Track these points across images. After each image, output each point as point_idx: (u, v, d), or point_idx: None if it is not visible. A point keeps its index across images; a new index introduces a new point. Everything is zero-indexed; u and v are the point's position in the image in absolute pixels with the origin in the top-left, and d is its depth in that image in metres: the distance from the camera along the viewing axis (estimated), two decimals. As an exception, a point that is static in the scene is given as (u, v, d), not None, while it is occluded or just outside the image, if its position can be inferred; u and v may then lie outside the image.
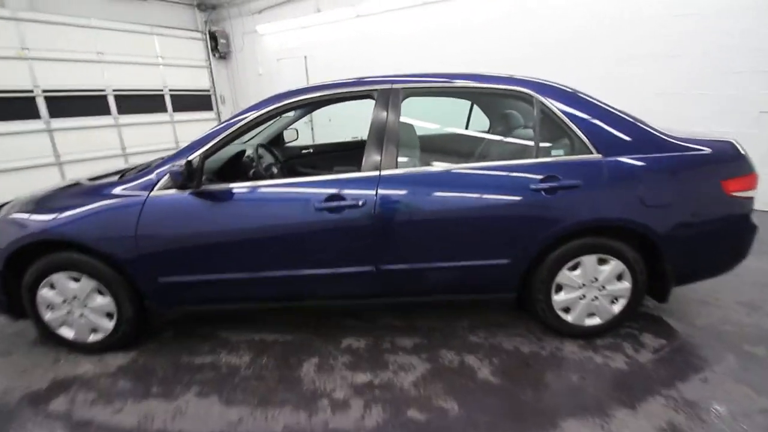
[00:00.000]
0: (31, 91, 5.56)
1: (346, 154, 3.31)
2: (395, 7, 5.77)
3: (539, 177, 1.79)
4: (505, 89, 1.92)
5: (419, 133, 2.31)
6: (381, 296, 1.98)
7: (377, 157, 1.84)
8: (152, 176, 1.87)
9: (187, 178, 1.75)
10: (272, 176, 2.35)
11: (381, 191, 1.79)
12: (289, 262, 1.89)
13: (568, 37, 4.61)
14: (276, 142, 3.28)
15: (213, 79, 7.97)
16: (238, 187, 1.86)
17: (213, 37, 7.68)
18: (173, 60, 7.24)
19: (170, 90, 7.23)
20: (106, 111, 6.44)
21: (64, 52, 5.82)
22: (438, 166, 1.90)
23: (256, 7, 7.16)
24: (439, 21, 5.49)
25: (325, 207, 1.79)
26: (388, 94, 1.90)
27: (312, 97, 1.94)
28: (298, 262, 1.89)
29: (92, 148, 6.30)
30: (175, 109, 7.33)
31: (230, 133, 1.90)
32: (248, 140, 3.04)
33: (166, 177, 1.82)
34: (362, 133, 3.84)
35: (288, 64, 7.30)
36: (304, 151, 3.37)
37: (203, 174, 1.83)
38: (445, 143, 2.37)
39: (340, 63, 6.49)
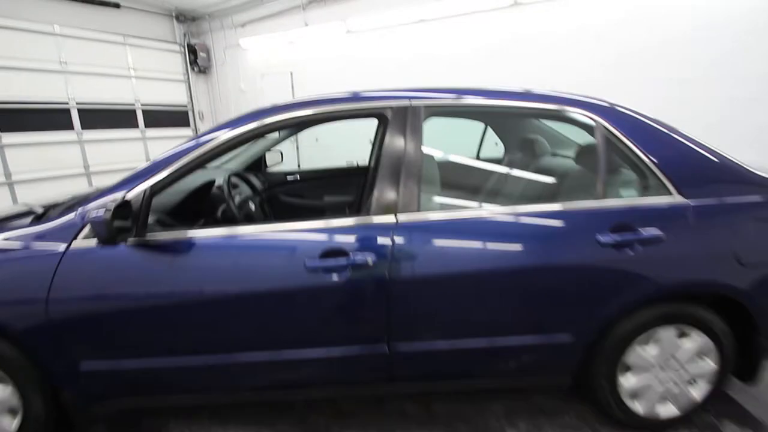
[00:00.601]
0: (-22, 103, 4.92)
1: (340, 182, 2.83)
2: (388, 24, 5.43)
3: (609, 226, 1.35)
4: (558, 111, 1.49)
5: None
6: (394, 383, 1.46)
7: (392, 197, 1.35)
8: (75, 219, 1.34)
9: (132, 221, 1.23)
10: (249, 216, 1.83)
11: (399, 244, 1.30)
12: (270, 341, 1.37)
13: (574, 59, 4.32)
14: (256, 165, 2.78)
15: (191, 95, 7.44)
16: (197, 236, 1.34)
17: (192, 50, 7.19)
18: (147, 73, 6.71)
19: (143, 104, 6.66)
20: (68, 126, 5.81)
21: (20, 61, 5.21)
22: (473, 210, 1.43)
23: (239, 20, 6.74)
24: (437, 41, 5.16)
25: (320, 266, 1.29)
26: (405, 113, 1.43)
27: (303, 116, 1.46)
28: (282, 340, 1.37)
29: (50, 166, 5.64)
30: (148, 125, 6.75)
31: (192, 160, 1.39)
32: (223, 163, 2.54)
33: (93, 222, 1.29)
34: (357, 156, 3.38)
35: (273, 80, 6.86)
36: (289, 178, 2.87)
37: (149, 214, 1.32)
38: (470, 176, 1.90)
39: (328, 81, 6.09)
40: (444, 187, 1.55)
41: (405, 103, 1.44)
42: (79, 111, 5.88)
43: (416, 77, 5.34)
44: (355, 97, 1.49)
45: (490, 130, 2.46)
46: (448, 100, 1.48)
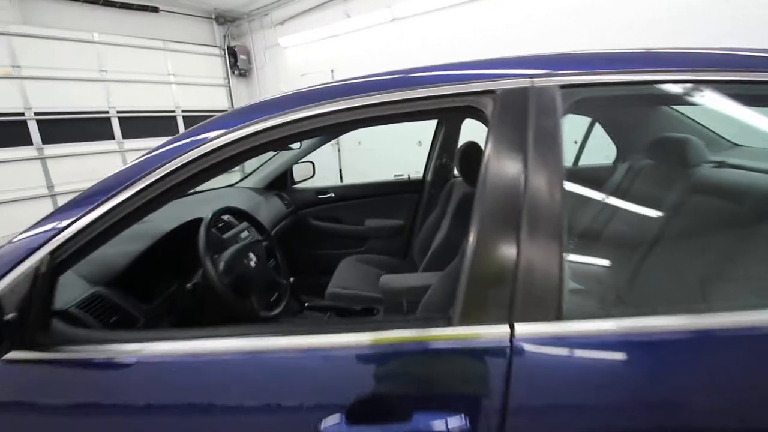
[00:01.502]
0: (23, 114, 4.84)
1: (386, 202, 2.16)
2: (438, 6, 4.70)
3: None
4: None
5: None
6: None
7: (500, 282, 0.63)
8: None
9: (14, 322, 0.64)
10: (244, 278, 1.15)
11: (521, 389, 0.59)
12: None
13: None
14: (280, 182, 2.19)
15: (232, 99, 7.18)
16: (123, 352, 0.70)
17: (232, 53, 6.90)
18: (187, 78, 6.50)
19: (183, 111, 6.46)
20: (109, 135, 5.68)
21: (61, 71, 5.11)
22: (701, 315, 0.61)
23: (278, 17, 6.33)
24: (494, 20, 4.35)
25: (349, 434, 0.61)
26: (524, 102, 0.68)
27: (346, 110, 0.77)
28: None
29: (92, 177, 5.45)
30: (189, 131, 6.55)
31: (144, 192, 0.78)
32: (232, 184, 1.97)
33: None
34: (410, 167, 2.59)
35: (313, 79, 6.37)
36: (321, 197, 2.24)
37: (50, 308, 0.72)
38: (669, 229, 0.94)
39: (372, 77, 5.47)
40: (615, 259, 0.77)
41: (523, 83, 0.70)
42: (120, 120, 5.73)
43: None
44: (431, 76, 0.78)
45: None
46: (612, 73, 0.72)
